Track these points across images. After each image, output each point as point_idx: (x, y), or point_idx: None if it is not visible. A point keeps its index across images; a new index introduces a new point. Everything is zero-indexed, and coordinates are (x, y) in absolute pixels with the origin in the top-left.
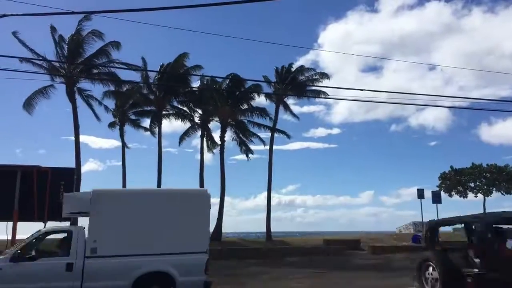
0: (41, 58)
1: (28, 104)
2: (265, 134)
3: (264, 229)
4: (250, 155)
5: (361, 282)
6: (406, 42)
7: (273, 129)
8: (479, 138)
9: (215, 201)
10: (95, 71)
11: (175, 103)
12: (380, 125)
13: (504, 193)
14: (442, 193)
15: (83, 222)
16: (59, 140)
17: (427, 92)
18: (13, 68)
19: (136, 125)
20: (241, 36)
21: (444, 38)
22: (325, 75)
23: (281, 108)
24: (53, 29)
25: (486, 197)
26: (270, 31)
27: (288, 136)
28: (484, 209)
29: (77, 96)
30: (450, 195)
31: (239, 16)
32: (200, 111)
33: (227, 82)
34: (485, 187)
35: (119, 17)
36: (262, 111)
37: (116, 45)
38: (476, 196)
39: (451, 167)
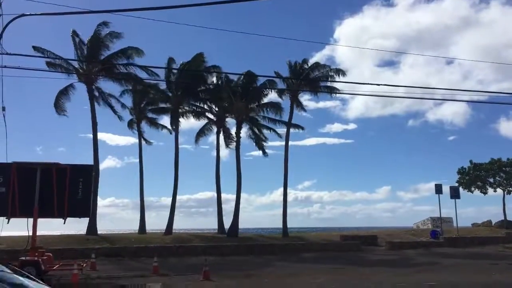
0: (59, 57)
1: (58, 106)
2: (281, 130)
3: (280, 225)
4: (266, 150)
5: (378, 278)
6: (423, 36)
7: (288, 125)
8: (498, 133)
9: (231, 197)
10: (114, 70)
11: (192, 101)
12: (397, 120)
13: None
14: (461, 188)
15: (103, 218)
16: (78, 138)
17: (445, 86)
18: (33, 67)
19: (153, 123)
20: (256, 32)
21: (462, 31)
22: (341, 72)
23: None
24: (74, 33)
25: (507, 193)
26: (286, 27)
27: (302, 128)
28: (504, 204)
29: (95, 95)
30: (470, 191)
31: (254, 12)
32: (216, 108)
33: (242, 78)
34: (505, 182)
35: (135, 15)
36: (276, 107)
37: (136, 51)
38: (495, 191)
39: (470, 161)
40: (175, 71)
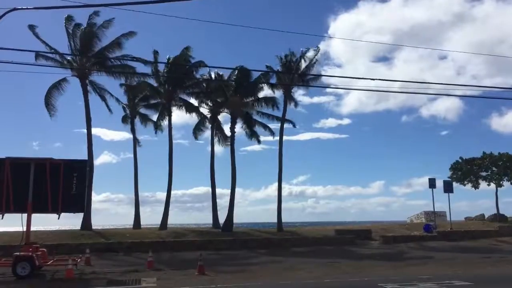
0: (53, 51)
1: (48, 104)
2: (275, 125)
3: (275, 220)
4: (261, 145)
5: (372, 271)
6: (417, 32)
7: (282, 120)
8: (490, 127)
9: (226, 192)
10: (108, 63)
11: (184, 96)
12: (391, 115)
13: None
14: (454, 182)
15: (98, 213)
16: (74, 133)
17: (439, 82)
18: (27, 61)
19: (146, 119)
20: (249, 25)
21: (456, 27)
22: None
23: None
24: (67, 20)
25: (498, 186)
26: (280, 22)
27: (294, 125)
28: (497, 197)
29: (89, 89)
30: (463, 184)
31: (248, 7)
32: (209, 103)
33: (235, 73)
34: (497, 176)
35: (128, 9)
36: (271, 101)
37: (130, 35)
38: (488, 185)
39: (461, 158)
40: (165, 65)
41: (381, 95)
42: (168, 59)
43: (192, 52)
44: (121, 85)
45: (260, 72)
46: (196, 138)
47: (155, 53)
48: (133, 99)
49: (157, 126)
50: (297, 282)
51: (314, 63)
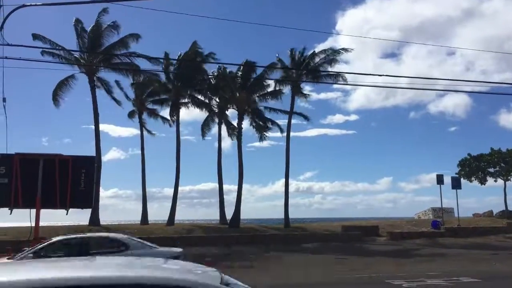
0: (60, 48)
1: (55, 98)
2: (283, 121)
3: (282, 216)
4: (268, 141)
5: (380, 267)
6: (425, 28)
7: (290, 114)
8: (498, 124)
9: (233, 188)
10: (116, 61)
11: (193, 92)
12: (399, 111)
13: None
14: (462, 179)
15: (106, 209)
16: (83, 129)
17: (447, 78)
18: (35, 58)
19: (154, 114)
20: (256, 21)
21: (465, 23)
22: (344, 50)
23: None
24: (76, 21)
25: (506, 182)
26: (287, 18)
27: (307, 118)
28: (505, 194)
29: (97, 85)
30: (470, 181)
31: (255, 3)
32: (217, 99)
33: (241, 69)
34: (505, 172)
35: (135, 5)
36: (275, 94)
37: (136, 37)
38: (495, 181)
39: (469, 154)
40: (174, 61)
41: (389, 91)
42: (179, 56)
43: (199, 46)
44: (132, 83)
45: (267, 68)
46: (203, 136)
47: (167, 53)
48: (141, 95)
49: (170, 120)
50: (305, 278)
51: (332, 59)
